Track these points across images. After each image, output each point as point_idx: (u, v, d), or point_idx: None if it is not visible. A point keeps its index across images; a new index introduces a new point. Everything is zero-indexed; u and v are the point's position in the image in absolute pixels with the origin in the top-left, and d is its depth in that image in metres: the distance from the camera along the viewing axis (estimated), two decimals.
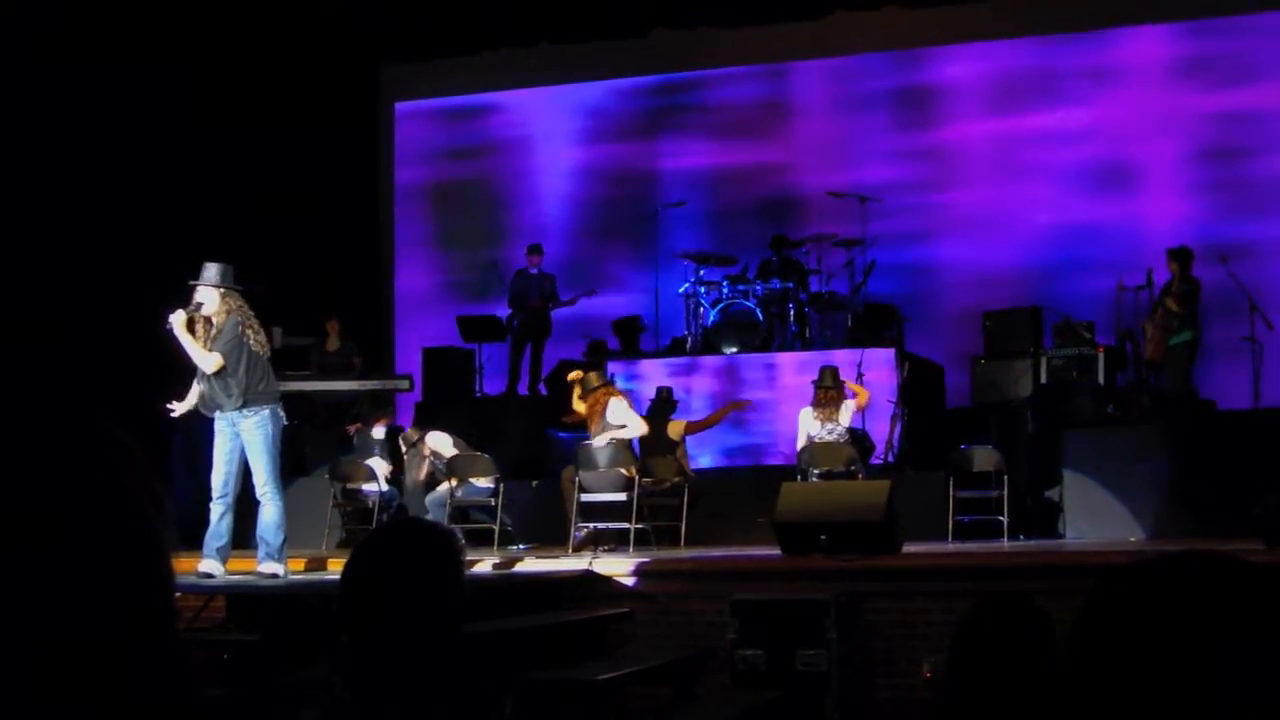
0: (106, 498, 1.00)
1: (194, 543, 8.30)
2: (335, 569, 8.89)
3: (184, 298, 8.14)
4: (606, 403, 10.55)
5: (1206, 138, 14.26)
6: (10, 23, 11.01)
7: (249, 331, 8.20)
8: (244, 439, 8.17)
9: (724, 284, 13.79)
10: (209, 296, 8.11)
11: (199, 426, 8.58)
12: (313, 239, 14.07)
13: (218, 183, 13.01)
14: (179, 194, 12.48)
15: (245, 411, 8.12)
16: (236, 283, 8.27)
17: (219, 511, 8.17)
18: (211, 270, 8.15)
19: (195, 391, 8.27)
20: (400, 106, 16.97)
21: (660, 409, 11.54)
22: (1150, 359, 12.44)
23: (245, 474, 8.25)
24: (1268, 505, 8.34)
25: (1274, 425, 11.26)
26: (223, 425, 8.20)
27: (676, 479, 10.73)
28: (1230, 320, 12.56)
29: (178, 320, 8.01)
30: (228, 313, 8.14)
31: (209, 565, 8.12)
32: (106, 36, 11.84)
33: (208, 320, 8.13)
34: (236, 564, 8.79)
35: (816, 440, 10.94)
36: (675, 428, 11.28)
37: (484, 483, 11.03)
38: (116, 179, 11.81)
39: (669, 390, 11.94)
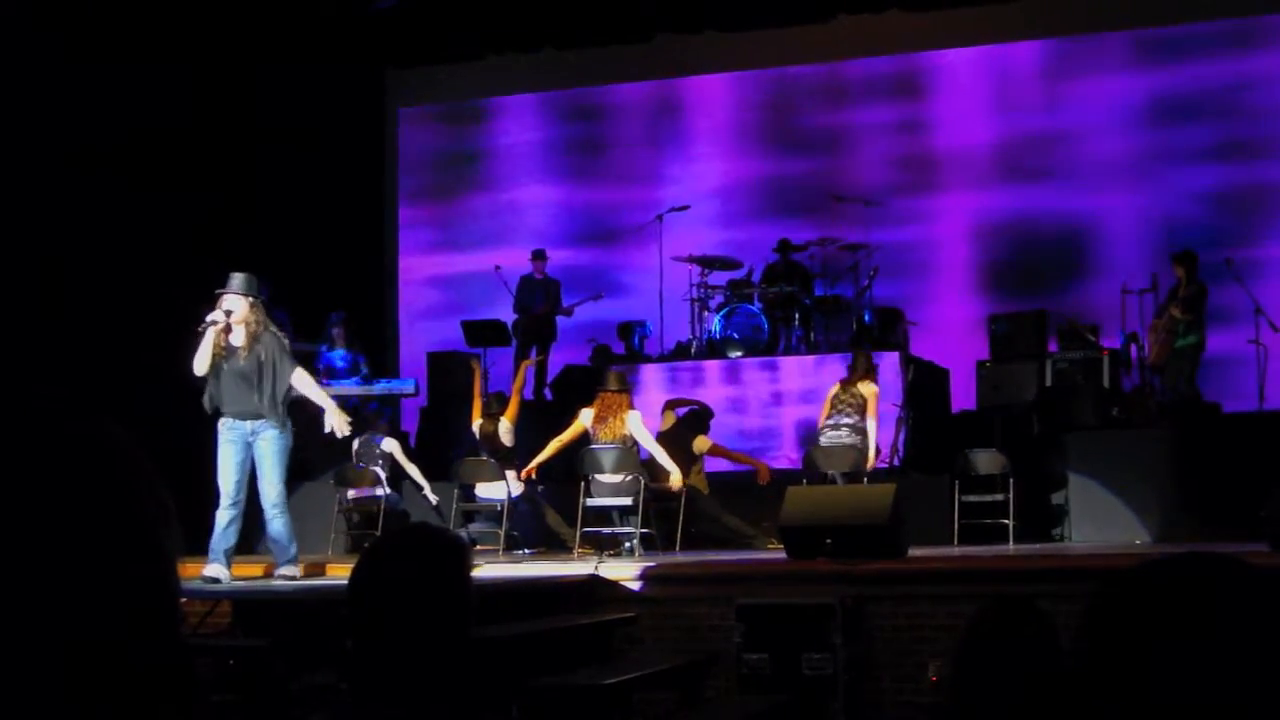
0: (110, 504, 1.00)
1: (201, 548, 8.33)
2: (340, 574, 8.90)
3: (210, 304, 8.25)
4: (625, 413, 10.55)
5: (1211, 140, 14.25)
6: (12, 22, 11.04)
7: (285, 342, 8.42)
8: (259, 450, 8.23)
9: (728, 288, 13.81)
10: (237, 305, 8.22)
11: (204, 430, 8.62)
12: (316, 244, 14.08)
13: (221, 186, 13.02)
14: (181, 197, 12.48)
15: (271, 421, 8.22)
16: (260, 293, 8.40)
17: (229, 517, 8.22)
18: (239, 280, 8.29)
19: (207, 355, 8.29)
20: (404, 111, 16.99)
21: (694, 421, 11.51)
22: (1154, 363, 12.44)
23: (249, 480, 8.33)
24: (1273, 508, 8.33)
25: (1279, 428, 11.26)
26: (234, 435, 8.25)
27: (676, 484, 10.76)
28: (1235, 323, 12.56)
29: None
30: (257, 323, 8.26)
31: (215, 570, 8.14)
32: (107, 37, 11.85)
33: (228, 328, 8.23)
34: (242, 569, 8.81)
35: (824, 441, 10.92)
36: (702, 444, 11.26)
37: (490, 489, 11.05)
38: (120, 182, 11.82)
39: (710, 411, 11.82)
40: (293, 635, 6.85)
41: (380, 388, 13.43)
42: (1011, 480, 10.80)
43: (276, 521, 8.31)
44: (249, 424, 8.24)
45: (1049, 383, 12.61)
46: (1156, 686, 1.20)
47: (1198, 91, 14.35)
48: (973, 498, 10.94)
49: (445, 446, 12.50)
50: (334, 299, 13.80)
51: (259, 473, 8.27)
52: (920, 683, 7.74)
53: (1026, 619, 3.16)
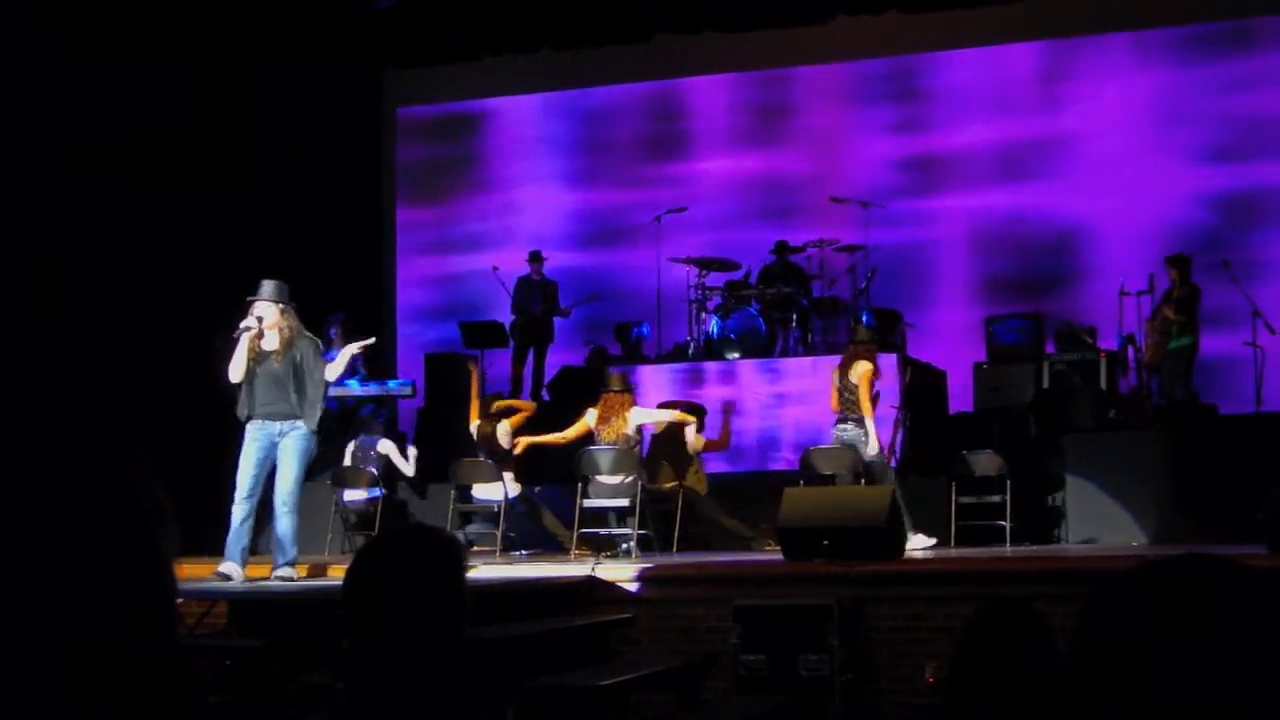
0: (108, 503, 1.00)
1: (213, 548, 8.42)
2: (337, 575, 8.90)
3: (241, 311, 8.38)
4: (628, 412, 10.57)
5: (1209, 142, 14.26)
6: (12, 22, 11.03)
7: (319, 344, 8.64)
8: (283, 447, 8.34)
9: (726, 289, 13.80)
10: (267, 311, 8.35)
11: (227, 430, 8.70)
12: (314, 244, 14.07)
13: (217, 187, 13.01)
14: (178, 198, 12.47)
15: (299, 423, 8.34)
16: (290, 298, 8.53)
17: (243, 513, 8.34)
18: (269, 287, 8.41)
19: (242, 361, 8.36)
20: (402, 111, 16.98)
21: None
22: (1149, 363, 12.46)
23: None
24: (1270, 510, 8.33)
25: (1276, 430, 11.26)
26: (260, 434, 8.37)
27: (671, 484, 10.77)
28: (1232, 325, 12.57)
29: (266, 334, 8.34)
30: (290, 327, 8.41)
31: (229, 568, 8.26)
32: (107, 37, 11.84)
33: (260, 333, 8.37)
34: (246, 569, 8.86)
35: (826, 442, 10.85)
36: (697, 442, 11.28)
37: (487, 490, 11.05)
38: (120, 182, 11.81)
39: (702, 409, 11.86)
40: (289, 636, 6.84)
41: (377, 389, 13.42)
42: (1009, 482, 10.81)
43: (284, 520, 8.38)
44: (278, 424, 8.36)
45: (1046, 384, 12.61)
46: (1153, 688, 1.20)
47: (1195, 93, 14.35)
48: (970, 499, 10.94)
49: (442, 447, 12.49)
50: (332, 299, 13.80)
51: (278, 468, 8.37)
52: (917, 684, 7.74)
53: (1023, 620, 3.16)
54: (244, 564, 8.34)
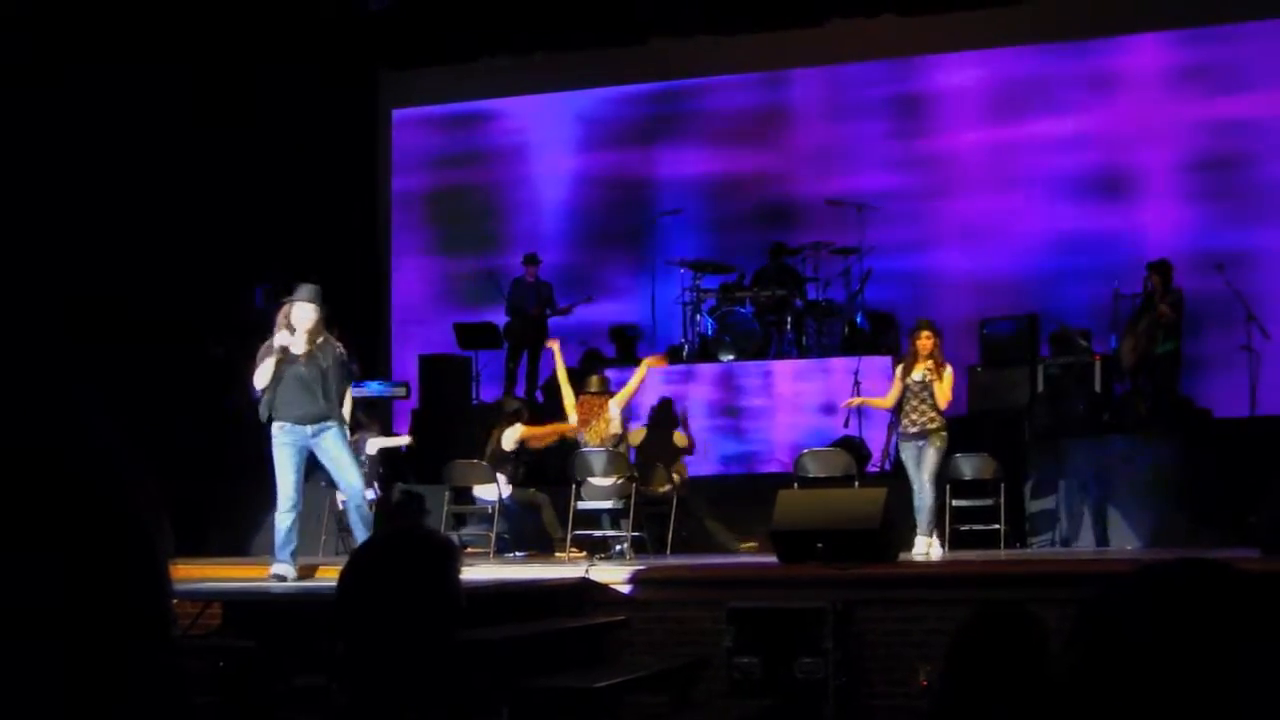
0: (106, 506, 1.00)
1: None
2: (331, 576, 8.91)
3: (275, 309, 8.48)
4: (607, 411, 10.57)
5: (1202, 145, 14.26)
6: (12, 22, 11.02)
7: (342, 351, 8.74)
8: (325, 448, 8.42)
9: (720, 292, 13.80)
10: (308, 313, 8.39)
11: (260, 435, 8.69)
12: (310, 245, 14.07)
13: (214, 188, 13.00)
14: (175, 198, 12.47)
15: (330, 423, 8.41)
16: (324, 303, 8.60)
17: (290, 520, 8.41)
18: (308, 290, 8.46)
19: (270, 369, 8.38)
20: (398, 113, 16.97)
21: (664, 418, 11.52)
22: (1129, 368, 12.42)
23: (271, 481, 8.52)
24: (1264, 514, 8.35)
25: (1270, 433, 11.27)
26: (291, 439, 8.38)
27: (665, 487, 10.76)
28: (1227, 329, 12.57)
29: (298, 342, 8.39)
30: (318, 333, 8.45)
31: (282, 569, 8.35)
32: (105, 37, 11.83)
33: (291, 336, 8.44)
34: (241, 570, 8.88)
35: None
36: (681, 439, 11.28)
37: (483, 491, 11.04)
38: (112, 183, 11.80)
39: (671, 401, 11.91)
40: (283, 637, 6.84)
41: (372, 390, 13.41)
42: (1002, 485, 10.80)
43: (366, 508, 8.54)
44: (308, 427, 8.38)
45: (1040, 388, 12.60)
46: (1147, 693, 1.20)
47: (1190, 96, 14.35)
48: (963, 502, 10.94)
49: (438, 448, 12.49)
50: (328, 300, 13.78)
51: (336, 467, 8.48)
52: (911, 687, 7.74)
53: (1016, 624, 3.17)
54: (295, 565, 8.43)
